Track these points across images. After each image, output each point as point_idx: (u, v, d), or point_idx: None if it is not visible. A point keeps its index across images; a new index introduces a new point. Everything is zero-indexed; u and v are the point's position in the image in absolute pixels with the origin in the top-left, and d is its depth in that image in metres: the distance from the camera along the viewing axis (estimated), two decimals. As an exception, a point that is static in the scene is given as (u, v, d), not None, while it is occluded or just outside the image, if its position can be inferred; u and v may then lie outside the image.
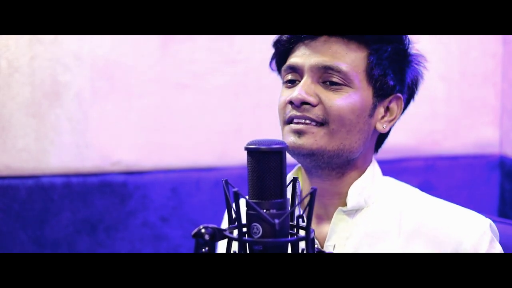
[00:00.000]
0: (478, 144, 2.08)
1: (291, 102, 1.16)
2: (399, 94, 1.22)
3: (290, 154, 1.18)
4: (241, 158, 1.82)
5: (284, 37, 1.21)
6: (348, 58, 1.16)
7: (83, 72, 1.80)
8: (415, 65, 1.25)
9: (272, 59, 1.28)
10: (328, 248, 1.17)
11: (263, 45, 1.90)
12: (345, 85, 1.15)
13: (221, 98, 1.91)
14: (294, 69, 1.18)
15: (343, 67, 1.14)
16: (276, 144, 0.87)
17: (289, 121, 1.17)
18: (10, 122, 1.77)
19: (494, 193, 2.06)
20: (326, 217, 1.20)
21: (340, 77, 1.15)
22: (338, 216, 1.18)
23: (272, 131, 1.91)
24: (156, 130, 1.88)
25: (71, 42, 1.78)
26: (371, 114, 1.18)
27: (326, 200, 1.20)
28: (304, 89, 1.14)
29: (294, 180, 0.92)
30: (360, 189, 1.18)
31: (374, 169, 1.23)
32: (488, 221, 1.16)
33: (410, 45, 1.24)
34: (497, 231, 1.17)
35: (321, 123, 1.14)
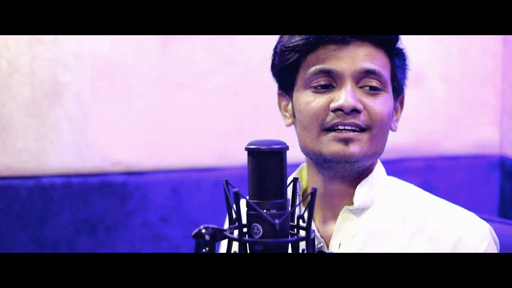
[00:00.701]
0: (478, 144, 2.08)
1: (338, 110, 1.13)
2: (403, 94, 1.26)
3: (332, 161, 1.16)
4: (242, 158, 1.82)
5: (300, 39, 1.17)
6: (381, 62, 1.17)
7: (83, 72, 1.80)
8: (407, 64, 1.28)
9: (280, 63, 1.23)
10: (334, 246, 1.17)
11: (263, 45, 1.90)
12: (382, 89, 1.16)
13: (221, 98, 1.91)
14: (328, 73, 1.15)
15: (382, 70, 1.15)
16: (276, 145, 0.87)
17: (331, 128, 1.14)
18: (10, 122, 1.77)
19: (494, 193, 2.06)
20: (332, 216, 1.21)
21: (379, 82, 1.15)
22: (344, 215, 1.19)
23: (272, 131, 1.92)
24: (156, 130, 1.88)
25: (71, 42, 1.78)
26: (393, 115, 1.22)
27: (336, 202, 1.21)
28: (353, 96, 1.13)
29: (294, 180, 0.92)
30: (367, 188, 1.19)
31: (379, 168, 1.24)
32: (488, 225, 1.17)
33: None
34: (497, 238, 1.17)
35: (363, 130, 1.15)
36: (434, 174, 2.02)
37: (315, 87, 1.16)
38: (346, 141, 1.13)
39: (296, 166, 1.31)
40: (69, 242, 1.80)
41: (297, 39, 1.17)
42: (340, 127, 1.13)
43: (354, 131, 1.14)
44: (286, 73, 1.23)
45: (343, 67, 1.14)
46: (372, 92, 1.15)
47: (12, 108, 1.77)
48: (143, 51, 1.85)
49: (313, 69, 1.16)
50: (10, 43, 1.75)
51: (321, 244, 1.19)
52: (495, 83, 2.08)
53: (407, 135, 2.01)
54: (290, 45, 1.18)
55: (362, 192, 1.18)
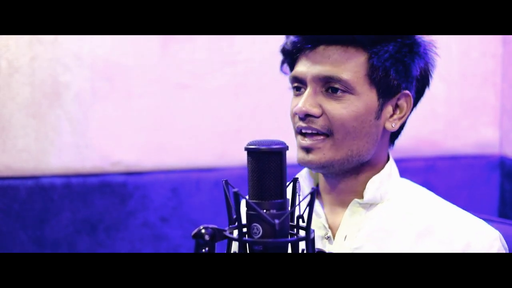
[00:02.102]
0: (478, 144, 2.08)
1: (296, 114, 1.17)
2: (406, 91, 1.21)
3: (301, 166, 1.21)
4: (241, 158, 1.82)
5: (288, 46, 1.21)
6: (348, 65, 1.15)
7: (83, 72, 1.81)
8: (424, 55, 1.22)
9: (282, 64, 1.28)
10: (340, 237, 1.18)
11: (263, 45, 1.91)
12: (347, 92, 1.15)
13: (221, 98, 1.91)
14: (297, 79, 1.19)
15: (343, 75, 1.14)
16: (276, 145, 0.87)
17: (298, 132, 1.19)
18: (10, 122, 1.77)
19: (494, 193, 2.06)
20: (342, 208, 1.22)
21: (342, 85, 1.15)
22: (352, 208, 1.20)
23: (272, 131, 1.92)
24: (156, 130, 1.88)
25: (71, 42, 1.79)
26: (378, 116, 1.18)
27: (344, 196, 1.22)
28: (307, 101, 1.15)
29: (294, 180, 0.92)
30: (378, 184, 1.20)
31: (391, 167, 1.24)
32: (498, 233, 1.17)
33: (416, 36, 1.21)
34: (506, 245, 1.17)
35: (326, 134, 1.15)
36: (434, 174, 2.02)
37: (295, 90, 1.21)
38: (307, 150, 1.16)
39: (296, 166, 1.31)
40: (69, 242, 1.80)
41: (287, 42, 1.21)
42: (303, 131, 1.17)
43: (314, 134, 1.16)
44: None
45: (305, 72, 1.17)
46: (336, 95, 1.15)
47: (12, 108, 1.77)
48: (143, 51, 1.85)
49: (290, 75, 1.21)
50: (10, 43, 1.75)
51: (328, 234, 1.20)
52: (495, 83, 2.08)
53: (407, 135, 2.00)
54: (282, 52, 1.24)
55: (373, 187, 1.19)
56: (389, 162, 1.24)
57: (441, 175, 2.02)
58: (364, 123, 1.16)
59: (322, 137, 1.15)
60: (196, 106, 1.89)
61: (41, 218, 1.78)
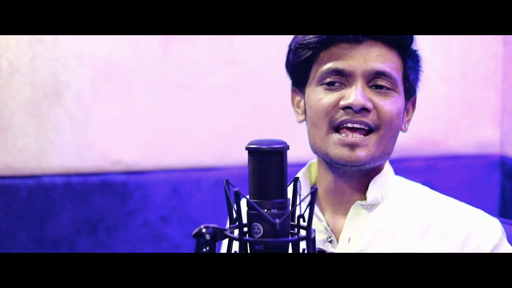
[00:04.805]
0: (478, 144, 2.08)
1: (347, 107, 1.14)
2: (415, 95, 1.27)
3: (338, 163, 1.18)
4: (242, 158, 1.82)
5: (317, 38, 1.18)
6: (394, 64, 1.17)
7: (83, 72, 1.81)
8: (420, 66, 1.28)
9: (295, 60, 1.24)
10: (343, 240, 1.18)
11: (263, 45, 1.91)
12: (392, 89, 1.17)
13: (221, 98, 1.91)
14: (340, 72, 1.16)
15: (393, 72, 1.16)
16: (277, 144, 0.87)
17: (340, 125, 1.15)
18: (10, 122, 1.77)
19: (495, 193, 2.06)
20: (343, 211, 1.22)
21: (389, 83, 1.16)
22: (355, 210, 1.20)
23: (272, 131, 1.92)
24: (156, 130, 1.88)
25: (71, 42, 1.78)
26: (404, 116, 1.23)
27: (346, 197, 1.23)
28: (362, 95, 1.14)
29: (295, 179, 0.92)
30: (380, 184, 1.21)
31: (388, 167, 1.26)
32: (498, 220, 1.20)
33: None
34: (504, 233, 1.19)
35: (371, 130, 1.15)
36: (435, 174, 2.02)
37: (327, 85, 1.18)
38: (352, 146, 1.14)
39: (296, 165, 1.31)
40: (69, 242, 1.80)
41: (311, 37, 1.19)
42: (349, 125, 1.14)
43: (361, 130, 1.14)
44: (299, 70, 1.24)
45: (355, 66, 1.15)
46: (383, 92, 1.16)
47: (13, 108, 1.77)
48: (144, 51, 1.85)
49: (325, 67, 1.17)
50: (11, 43, 1.75)
51: (331, 237, 1.20)
52: (495, 83, 2.08)
53: (408, 135, 2.00)
54: (304, 42, 1.20)
55: (375, 188, 1.20)
56: (387, 163, 1.26)
57: (441, 175, 2.02)
58: (400, 122, 1.20)
59: (368, 135, 1.15)
60: (196, 106, 1.89)
61: (41, 218, 1.78)
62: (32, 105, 1.78)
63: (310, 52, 1.19)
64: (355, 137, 1.14)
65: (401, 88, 1.19)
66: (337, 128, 1.16)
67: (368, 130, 1.15)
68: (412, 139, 2.02)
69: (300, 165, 1.33)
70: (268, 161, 0.86)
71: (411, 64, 1.21)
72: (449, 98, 2.06)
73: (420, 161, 2.03)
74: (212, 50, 1.89)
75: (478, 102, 2.08)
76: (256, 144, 0.87)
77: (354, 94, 1.13)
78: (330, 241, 1.20)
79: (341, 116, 1.14)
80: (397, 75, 1.17)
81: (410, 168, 1.99)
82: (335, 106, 1.15)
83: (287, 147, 0.89)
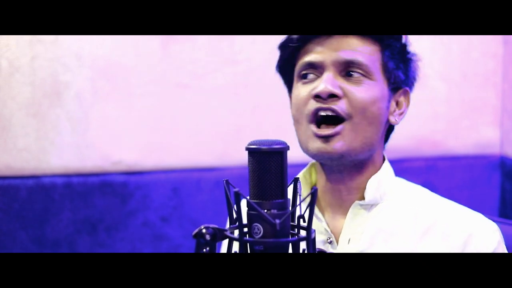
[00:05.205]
0: (478, 144, 2.08)
1: (317, 96, 1.16)
2: (407, 88, 1.26)
3: (316, 158, 1.20)
4: (242, 158, 1.82)
5: (296, 36, 1.21)
6: (366, 51, 1.18)
7: (83, 72, 1.81)
8: (415, 62, 1.28)
9: (280, 60, 1.27)
10: (343, 241, 1.18)
11: (263, 45, 1.90)
12: (366, 77, 1.17)
13: (221, 98, 1.91)
14: (313, 65, 1.19)
15: (363, 60, 1.16)
16: (277, 144, 0.87)
17: (314, 116, 1.17)
18: (10, 122, 1.77)
19: (495, 193, 2.06)
20: (342, 212, 1.22)
21: (361, 69, 1.16)
22: (354, 210, 1.20)
23: (272, 131, 1.92)
24: (156, 130, 1.88)
25: (71, 42, 1.78)
26: (388, 106, 1.21)
27: (344, 196, 1.23)
28: (329, 82, 1.15)
29: (295, 180, 0.92)
30: (378, 183, 1.21)
31: (387, 167, 1.26)
32: (496, 225, 1.20)
33: (408, 44, 1.26)
34: (502, 238, 1.19)
35: (343, 119, 1.15)
36: (435, 174, 2.02)
37: (303, 78, 1.20)
38: (327, 138, 1.15)
39: (296, 166, 1.31)
40: (69, 242, 1.80)
41: (291, 37, 1.22)
42: (322, 113, 1.15)
43: (331, 124, 1.15)
44: (285, 71, 1.27)
45: (324, 57, 1.17)
46: (354, 79, 1.17)
47: (13, 108, 1.77)
48: (144, 51, 1.85)
49: (300, 62, 1.20)
50: (11, 43, 1.75)
51: (331, 239, 1.20)
52: (495, 83, 2.08)
53: (408, 135, 2.01)
54: (285, 43, 1.24)
55: (373, 186, 1.20)
56: (385, 162, 1.26)
57: (441, 175, 2.02)
58: (380, 110, 1.18)
59: (339, 125, 1.15)
60: (196, 106, 1.89)
61: (41, 218, 1.78)
62: (32, 105, 1.78)
63: (290, 50, 1.22)
64: (326, 130, 1.15)
65: (378, 76, 1.18)
66: (315, 122, 1.17)
67: (340, 119, 1.15)
68: (412, 139, 2.02)
69: (300, 166, 1.33)
70: (268, 162, 0.86)
71: (388, 53, 1.20)
72: (449, 98, 2.06)
73: (420, 162, 2.03)
74: (212, 50, 1.89)
75: (478, 102, 2.08)
76: (256, 145, 0.87)
77: (322, 83, 1.15)
78: (330, 242, 1.20)
79: (313, 106, 1.16)
80: (371, 63, 1.17)
81: (410, 169, 1.99)
82: (309, 97, 1.17)
83: (287, 148, 0.89)
